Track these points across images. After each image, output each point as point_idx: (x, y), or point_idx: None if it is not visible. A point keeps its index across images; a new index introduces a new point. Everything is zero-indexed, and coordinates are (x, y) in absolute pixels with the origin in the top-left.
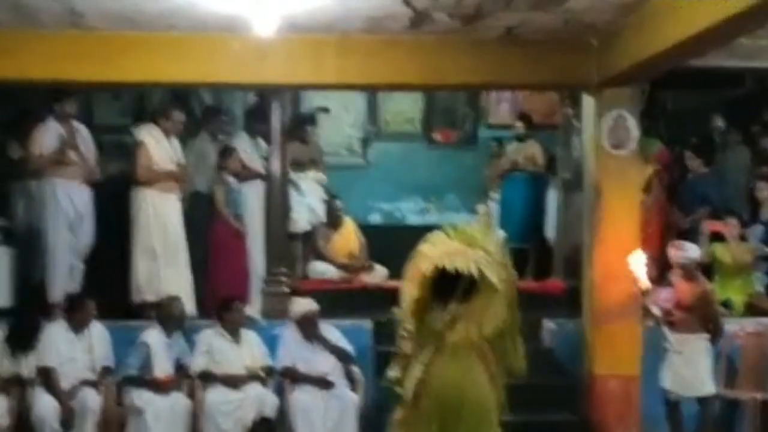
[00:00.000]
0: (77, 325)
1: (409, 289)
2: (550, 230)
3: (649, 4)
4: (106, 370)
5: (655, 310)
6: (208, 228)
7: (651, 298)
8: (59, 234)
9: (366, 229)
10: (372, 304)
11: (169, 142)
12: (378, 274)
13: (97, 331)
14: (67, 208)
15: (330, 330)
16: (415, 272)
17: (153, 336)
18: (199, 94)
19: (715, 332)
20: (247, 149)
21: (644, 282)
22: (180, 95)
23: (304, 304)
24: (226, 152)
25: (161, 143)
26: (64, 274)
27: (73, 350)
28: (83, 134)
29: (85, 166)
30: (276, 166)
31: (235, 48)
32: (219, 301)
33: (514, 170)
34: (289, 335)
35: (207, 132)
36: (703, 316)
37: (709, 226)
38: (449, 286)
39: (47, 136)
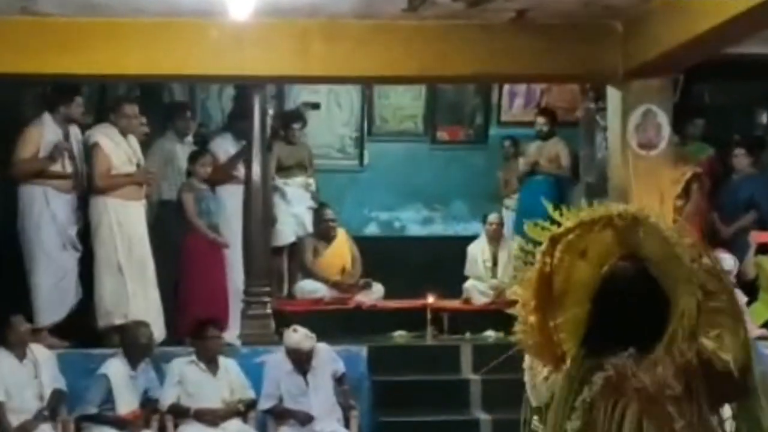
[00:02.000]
0: (16, 350)
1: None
2: None
3: None
4: (57, 395)
5: None
6: (179, 241)
7: None
8: (44, 247)
9: (361, 242)
10: (368, 328)
11: (128, 141)
12: (375, 293)
13: (40, 352)
14: (62, 218)
15: (326, 352)
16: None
17: (114, 367)
18: (170, 88)
19: None
20: (231, 151)
21: None
22: (149, 89)
23: (299, 340)
24: (198, 155)
25: (119, 144)
26: (52, 294)
27: (20, 378)
28: (78, 140)
29: (77, 177)
30: (257, 170)
31: (209, 35)
32: (192, 325)
33: (535, 173)
34: (277, 363)
35: (174, 131)
36: None
37: (756, 237)
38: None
39: (43, 140)
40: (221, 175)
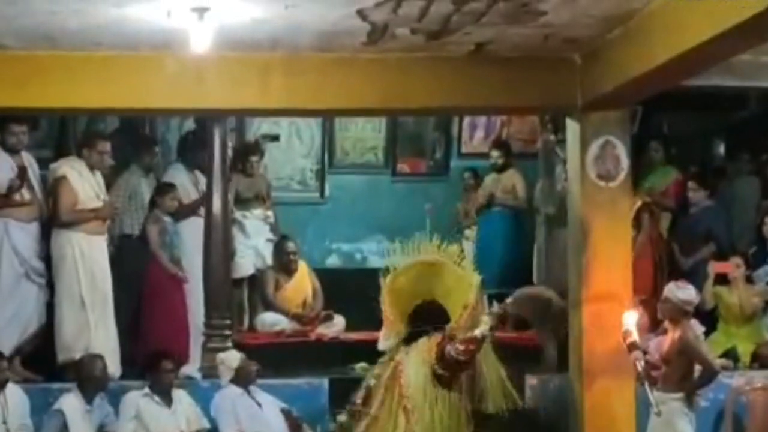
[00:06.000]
0: None
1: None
2: (536, 273)
3: (639, 16)
4: None
5: (639, 366)
6: (139, 275)
7: (635, 352)
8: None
9: (322, 274)
10: (329, 360)
11: (94, 176)
12: (336, 325)
13: (13, 393)
14: (23, 250)
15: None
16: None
17: (69, 402)
18: (139, 121)
19: (706, 377)
20: (185, 183)
21: (635, 336)
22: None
23: (236, 357)
24: (164, 188)
25: (86, 178)
26: (9, 324)
27: None
28: (35, 168)
29: (38, 205)
30: (217, 203)
31: (169, 69)
32: (146, 357)
33: (492, 205)
34: (226, 394)
35: (138, 165)
36: (682, 369)
37: (715, 267)
38: None
39: None
40: (185, 210)
